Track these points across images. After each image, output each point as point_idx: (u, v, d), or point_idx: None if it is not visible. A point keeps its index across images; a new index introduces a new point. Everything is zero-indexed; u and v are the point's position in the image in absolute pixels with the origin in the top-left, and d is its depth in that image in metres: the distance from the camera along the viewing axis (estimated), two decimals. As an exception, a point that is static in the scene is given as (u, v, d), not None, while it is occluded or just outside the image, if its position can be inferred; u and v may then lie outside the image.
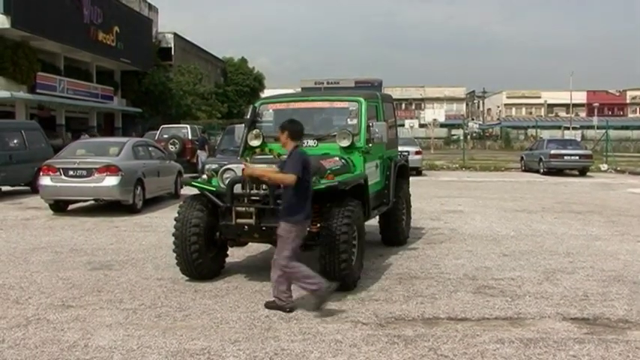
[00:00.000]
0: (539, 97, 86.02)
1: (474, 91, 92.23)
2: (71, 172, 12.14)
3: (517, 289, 6.60)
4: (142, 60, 39.59)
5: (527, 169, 26.56)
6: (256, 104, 8.31)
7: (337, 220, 6.17)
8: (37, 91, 28.90)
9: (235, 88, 55.57)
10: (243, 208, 6.34)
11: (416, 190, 11.62)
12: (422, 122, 61.10)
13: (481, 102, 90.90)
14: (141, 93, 40.10)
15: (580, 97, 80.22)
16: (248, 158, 6.78)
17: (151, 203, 13.53)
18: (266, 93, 50.55)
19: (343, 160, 7.28)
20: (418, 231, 10.18)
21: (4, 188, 15.78)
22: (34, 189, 14.40)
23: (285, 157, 5.91)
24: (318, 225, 6.30)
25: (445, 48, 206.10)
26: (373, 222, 8.57)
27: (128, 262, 7.94)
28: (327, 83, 71.61)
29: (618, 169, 27.55)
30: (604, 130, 33.55)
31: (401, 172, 9.07)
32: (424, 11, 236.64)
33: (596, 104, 69.65)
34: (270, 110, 8.09)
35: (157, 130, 25.93)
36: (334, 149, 7.43)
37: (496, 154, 41.54)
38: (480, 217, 12.07)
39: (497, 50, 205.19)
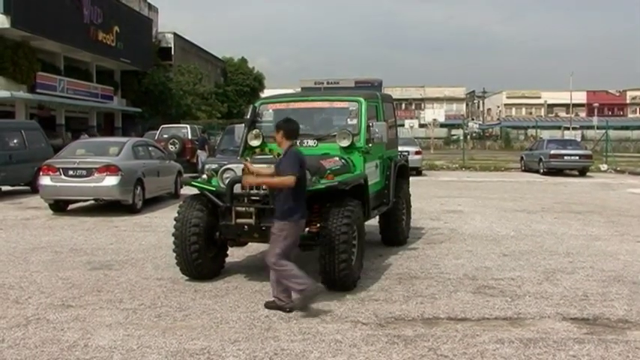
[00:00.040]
0: (539, 97, 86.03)
1: (473, 91, 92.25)
2: (71, 172, 12.14)
3: (517, 289, 6.61)
4: (142, 60, 39.60)
5: (527, 169, 26.57)
6: (256, 104, 8.31)
7: (337, 220, 6.16)
8: (37, 90, 28.90)
9: (235, 88, 55.57)
10: (243, 208, 6.34)
11: (416, 190, 11.61)
12: (422, 122, 61.12)
13: (481, 102, 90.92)
14: (141, 93, 40.10)
15: (580, 98, 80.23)
16: (248, 158, 6.77)
17: (151, 203, 13.53)
18: (266, 93, 50.54)
19: (343, 160, 7.27)
20: (418, 231, 10.18)
21: (4, 188, 15.79)
22: (34, 189, 14.40)
23: (281, 156, 5.91)
24: (318, 225, 6.30)
25: (445, 48, 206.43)
26: (373, 222, 8.57)
27: (128, 261, 7.94)
28: (327, 83, 71.64)
29: (618, 169, 27.55)
30: (604, 131, 33.56)
31: (401, 172, 9.07)
32: (424, 11, 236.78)
33: (596, 104, 69.63)
34: (270, 110, 8.09)
35: (157, 129, 25.93)
36: (334, 149, 7.43)
37: (496, 154, 41.54)
38: (480, 217, 12.07)
39: (497, 50, 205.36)
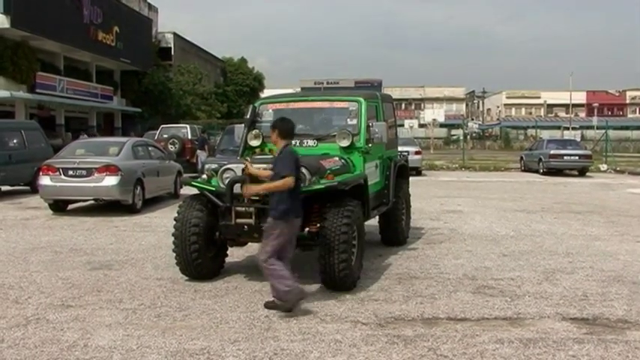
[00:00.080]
0: (539, 98, 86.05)
1: (473, 91, 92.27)
2: (71, 172, 12.14)
3: (516, 289, 6.61)
4: (142, 60, 39.58)
5: (527, 169, 26.58)
6: (256, 104, 8.31)
7: (337, 220, 6.16)
8: (37, 90, 28.88)
9: (235, 88, 55.55)
10: (243, 208, 6.34)
11: (415, 190, 11.62)
12: (421, 122, 61.16)
13: (481, 102, 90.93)
14: (140, 93, 40.10)
15: (580, 98, 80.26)
16: (248, 158, 6.77)
17: (151, 203, 13.53)
18: (266, 93, 50.53)
19: (343, 160, 7.27)
20: (418, 231, 10.18)
21: (4, 188, 15.79)
22: (34, 189, 14.40)
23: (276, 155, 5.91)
24: (318, 225, 6.30)
25: (445, 48, 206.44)
26: (373, 222, 8.57)
27: (128, 262, 7.94)
28: (327, 83, 71.74)
29: (618, 169, 27.56)
30: (603, 131, 33.57)
31: (400, 172, 9.06)
32: (424, 11, 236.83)
33: (596, 104, 69.66)
34: (270, 110, 8.09)
35: (157, 129, 25.93)
36: (334, 149, 7.43)
37: (496, 154, 41.55)
38: (480, 217, 12.07)
39: (497, 50, 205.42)
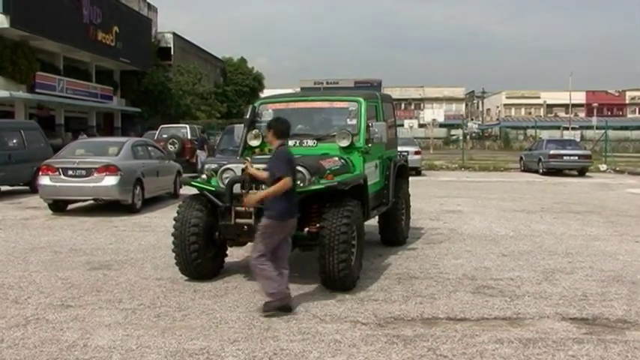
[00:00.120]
0: (539, 98, 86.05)
1: (473, 92, 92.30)
2: (70, 172, 12.14)
3: (516, 289, 6.61)
4: (142, 60, 39.59)
5: (527, 170, 26.58)
6: (256, 104, 8.31)
7: (336, 220, 6.16)
8: (37, 90, 28.89)
9: (235, 88, 55.57)
10: (243, 208, 6.34)
11: (415, 190, 11.62)
12: (421, 122, 61.18)
13: (480, 102, 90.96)
14: (140, 93, 40.10)
15: (579, 98, 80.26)
16: (249, 158, 6.77)
17: (150, 203, 13.53)
18: (265, 93, 50.55)
19: (343, 160, 7.27)
20: (417, 231, 10.18)
21: (4, 188, 15.77)
22: (34, 189, 14.40)
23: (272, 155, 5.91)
24: (318, 225, 6.30)
25: (445, 48, 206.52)
26: (372, 222, 8.57)
27: (127, 262, 7.94)
28: (327, 83, 71.72)
29: (617, 169, 27.56)
30: (603, 131, 33.57)
31: (400, 172, 9.07)
32: (424, 11, 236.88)
33: (596, 104, 69.65)
34: (270, 110, 8.08)
35: (156, 129, 25.92)
36: (334, 149, 7.43)
37: (495, 155, 41.57)
38: (479, 217, 12.07)
39: (497, 50, 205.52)
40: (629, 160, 32.68)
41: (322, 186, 6.31)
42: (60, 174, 12.17)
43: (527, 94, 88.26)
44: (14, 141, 15.76)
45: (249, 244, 7.44)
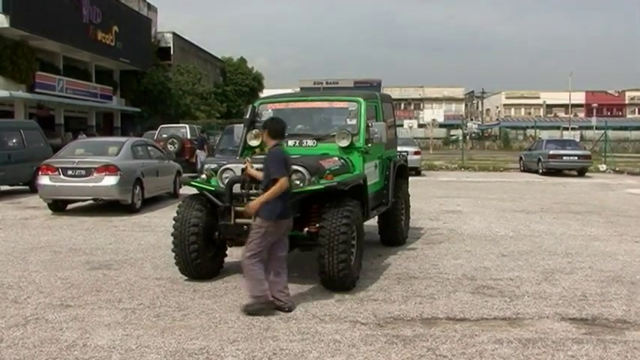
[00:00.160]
0: (538, 98, 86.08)
1: (472, 92, 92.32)
2: (70, 172, 12.14)
3: (516, 289, 6.61)
4: (141, 59, 39.59)
5: (526, 170, 26.59)
6: (255, 104, 8.31)
7: (336, 221, 6.16)
8: (36, 90, 28.89)
9: (234, 87, 55.59)
10: (243, 208, 6.34)
11: (415, 191, 11.62)
12: (421, 122, 61.18)
13: (480, 102, 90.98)
14: (140, 93, 40.10)
15: (579, 98, 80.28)
16: (249, 158, 6.76)
17: (150, 203, 13.52)
18: (265, 93, 50.57)
19: (342, 160, 7.27)
20: (417, 231, 10.18)
21: (3, 188, 15.76)
22: (33, 188, 14.40)
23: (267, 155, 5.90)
24: (317, 225, 6.30)
25: (445, 48, 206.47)
26: (372, 222, 8.57)
27: (127, 261, 7.94)
28: (326, 83, 71.68)
29: (617, 169, 27.57)
30: (603, 131, 33.59)
31: (400, 172, 9.06)
32: (424, 11, 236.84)
33: (595, 105, 69.68)
34: (270, 110, 8.08)
35: (156, 129, 25.92)
36: (333, 149, 7.43)
37: (495, 155, 41.58)
38: (479, 218, 12.08)
39: (497, 50, 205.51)
40: (629, 161, 32.69)
41: (322, 186, 6.31)
42: (59, 174, 12.17)
43: (527, 94, 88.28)
44: (14, 141, 15.77)
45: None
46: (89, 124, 34.78)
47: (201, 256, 6.62)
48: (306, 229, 6.39)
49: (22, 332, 5.14)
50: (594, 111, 65.73)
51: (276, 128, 5.86)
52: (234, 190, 6.35)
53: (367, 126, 7.60)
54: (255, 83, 57.87)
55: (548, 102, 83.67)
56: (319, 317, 5.54)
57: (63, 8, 29.85)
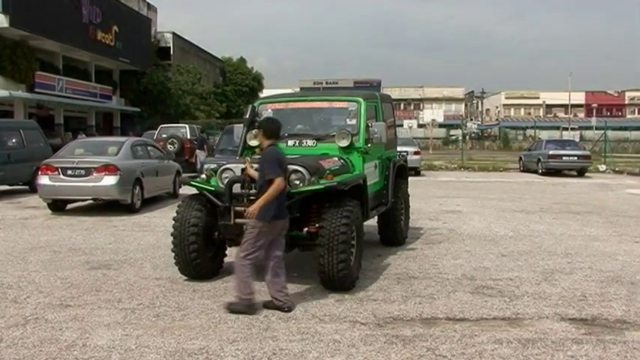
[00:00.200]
0: (538, 98, 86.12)
1: (472, 92, 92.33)
2: (70, 172, 12.14)
3: (515, 289, 6.61)
4: (141, 59, 39.59)
5: (526, 170, 26.60)
6: (255, 104, 8.30)
7: (336, 220, 6.16)
8: (36, 90, 28.89)
9: (234, 87, 55.61)
10: (242, 208, 6.33)
11: (414, 191, 11.62)
12: (420, 122, 61.16)
13: (480, 102, 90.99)
14: (139, 92, 40.10)
15: (579, 98, 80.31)
16: (248, 158, 6.76)
17: (150, 203, 13.52)
18: (265, 93, 50.58)
19: (342, 160, 7.27)
20: (417, 231, 10.19)
21: (3, 187, 15.78)
22: (33, 188, 14.39)
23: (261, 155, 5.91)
24: (317, 225, 6.30)
25: (445, 48, 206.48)
26: (372, 222, 8.56)
27: (126, 261, 7.94)
28: (326, 83, 71.70)
29: (616, 169, 27.58)
30: (602, 131, 33.60)
31: (400, 173, 9.07)
32: (424, 11, 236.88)
33: (595, 105, 69.70)
34: (269, 110, 8.08)
35: (156, 129, 25.92)
36: (333, 149, 7.43)
37: (495, 155, 41.59)
38: (479, 218, 12.08)
39: (497, 50, 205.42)
40: (629, 161, 32.69)
41: (322, 186, 6.31)
42: (59, 173, 12.17)
43: (527, 94, 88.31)
44: (13, 140, 15.77)
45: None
46: (89, 124, 34.78)
47: (200, 256, 6.62)
48: (305, 229, 6.39)
49: (22, 332, 5.14)
50: (594, 111, 65.75)
51: (271, 128, 5.86)
52: (233, 190, 6.34)
53: (367, 126, 7.60)
54: (254, 83, 57.90)
55: (548, 102, 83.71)
56: (319, 317, 5.54)
57: (63, 8, 29.85)
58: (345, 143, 7.40)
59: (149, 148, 14.54)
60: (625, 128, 66.14)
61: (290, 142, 7.52)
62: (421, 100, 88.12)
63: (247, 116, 8.01)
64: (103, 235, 9.89)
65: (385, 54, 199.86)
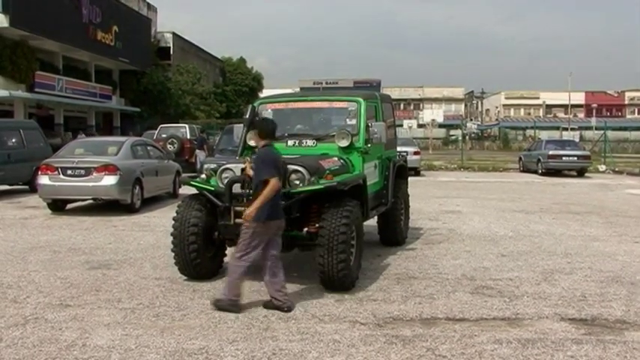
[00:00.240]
0: (538, 98, 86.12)
1: (472, 92, 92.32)
2: (69, 172, 12.14)
3: (515, 289, 6.61)
4: (141, 59, 39.60)
5: (526, 170, 26.60)
6: (255, 104, 8.30)
7: (336, 221, 6.16)
8: (36, 90, 28.90)
9: (234, 87, 55.62)
10: (242, 208, 6.33)
11: (414, 191, 11.63)
12: (420, 122, 61.14)
13: (480, 102, 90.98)
14: (139, 92, 40.11)
15: (578, 98, 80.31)
16: (248, 158, 6.76)
17: (150, 203, 13.52)
18: (264, 93, 50.58)
19: (342, 161, 7.27)
20: (416, 231, 10.19)
21: (3, 187, 15.78)
22: (33, 188, 14.39)
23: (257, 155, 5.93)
24: (317, 225, 6.30)
25: (445, 48, 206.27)
26: (372, 222, 8.56)
27: (126, 261, 7.94)
28: (326, 83, 71.66)
29: (616, 169, 27.58)
30: (602, 131, 33.61)
31: (399, 173, 9.07)
32: (424, 11, 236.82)
33: (595, 105, 69.69)
34: (269, 110, 8.08)
35: (156, 129, 25.93)
36: (333, 149, 7.43)
37: (494, 155, 41.60)
38: (478, 218, 12.08)
39: (496, 50, 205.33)
40: (628, 161, 32.70)
41: (322, 186, 6.31)
42: (59, 173, 12.17)
43: (527, 94, 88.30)
44: (13, 140, 15.77)
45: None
46: (89, 124, 34.79)
47: (200, 256, 6.62)
48: (305, 229, 6.39)
49: (22, 332, 5.14)
50: (594, 111, 65.72)
51: (266, 128, 5.86)
52: (233, 190, 6.34)
53: (367, 126, 7.60)
54: (254, 83, 57.92)
55: (548, 102, 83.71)
56: (318, 317, 5.54)
57: (63, 8, 29.86)
58: (345, 143, 7.40)
59: (149, 148, 14.54)
60: (625, 128, 66.14)
61: (290, 142, 7.53)
62: (421, 100, 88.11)
63: (247, 116, 8.00)
64: (102, 235, 9.89)
65: (385, 54, 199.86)
